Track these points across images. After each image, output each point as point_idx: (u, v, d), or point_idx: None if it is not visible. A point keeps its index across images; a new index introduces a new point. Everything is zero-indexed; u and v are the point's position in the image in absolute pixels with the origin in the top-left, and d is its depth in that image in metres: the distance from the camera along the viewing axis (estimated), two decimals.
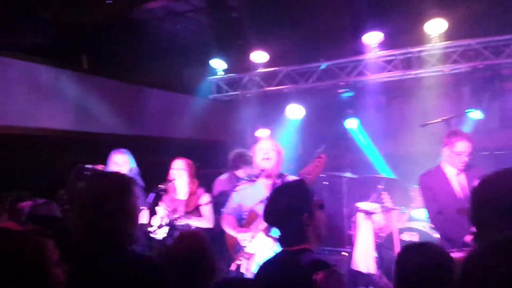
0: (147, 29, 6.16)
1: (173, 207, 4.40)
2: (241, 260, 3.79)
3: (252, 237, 3.70)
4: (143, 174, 4.53)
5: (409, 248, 2.02)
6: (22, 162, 5.83)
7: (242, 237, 3.74)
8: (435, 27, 5.96)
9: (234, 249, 3.89)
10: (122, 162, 4.38)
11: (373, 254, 5.03)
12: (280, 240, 2.30)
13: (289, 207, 2.25)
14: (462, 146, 3.77)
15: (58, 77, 6.26)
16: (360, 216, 5.19)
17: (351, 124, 6.95)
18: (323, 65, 6.78)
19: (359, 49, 6.66)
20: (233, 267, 3.81)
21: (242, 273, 3.86)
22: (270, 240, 3.65)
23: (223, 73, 7.26)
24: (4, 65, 5.72)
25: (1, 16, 5.54)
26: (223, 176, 5.19)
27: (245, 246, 3.75)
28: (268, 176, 3.86)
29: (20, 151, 5.86)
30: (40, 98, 6.04)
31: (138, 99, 7.14)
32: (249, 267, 3.75)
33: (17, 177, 5.77)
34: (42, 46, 6.07)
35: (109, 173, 2.16)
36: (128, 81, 7.10)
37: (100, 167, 4.49)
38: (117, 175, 2.09)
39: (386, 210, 5.19)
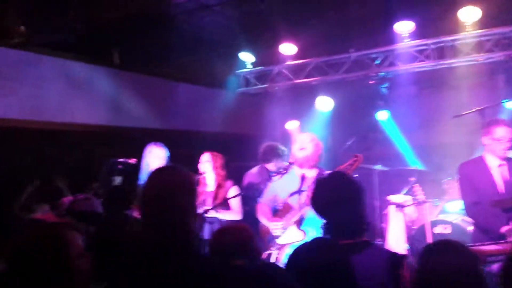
0: (176, 24, 6.20)
1: (202, 199, 4.46)
2: (272, 250, 3.84)
3: (284, 228, 3.74)
4: None
5: (431, 251, 1.92)
6: (57, 157, 6.00)
7: (274, 226, 3.78)
8: (469, 15, 5.77)
9: (267, 239, 3.95)
10: (163, 156, 4.49)
11: (405, 247, 4.97)
12: (330, 231, 2.24)
13: (347, 197, 2.21)
14: (501, 132, 3.68)
15: (91, 73, 6.40)
16: (391, 209, 5.13)
17: (382, 116, 6.84)
18: (353, 55, 6.67)
19: (390, 39, 6.53)
20: (264, 255, 3.88)
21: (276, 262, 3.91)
22: (301, 233, 3.67)
23: (251, 66, 7.26)
24: (39, 62, 5.88)
25: (35, 14, 5.69)
26: (253, 169, 5.21)
27: (277, 237, 3.79)
28: (301, 166, 3.88)
29: (55, 146, 6.03)
30: (74, 94, 6.19)
31: (168, 93, 7.22)
32: (280, 258, 3.79)
33: (53, 171, 5.94)
34: (75, 43, 6.21)
35: (174, 168, 2.18)
36: (158, 76, 7.20)
37: (132, 160, 4.60)
38: (182, 170, 2.09)
39: (418, 203, 5.12)
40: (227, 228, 2.75)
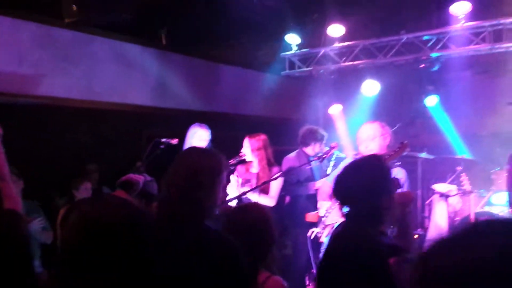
0: (223, 6, 6.22)
1: (245, 179, 4.50)
2: (320, 231, 3.94)
3: (331, 209, 3.79)
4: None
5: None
6: (105, 135, 6.25)
7: (321, 206, 3.86)
8: None
9: (315, 224, 4.09)
10: (206, 138, 4.56)
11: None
12: (350, 217, 2.18)
13: (366, 185, 2.12)
14: None
15: (140, 54, 6.56)
16: (435, 198, 4.98)
17: (431, 101, 6.59)
18: (403, 37, 6.43)
19: (444, 21, 6.24)
20: (309, 233, 3.99)
21: (318, 240, 3.99)
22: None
23: (297, 48, 7.16)
24: (91, 43, 6.09)
25: None
26: (292, 154, 5.20)
27: (324, 216, 3.86)
28: None
29: (104, 125, 6.27)
30: (124, 74, 6.38)
31: (213, 75, 7.29)
32: (320, 236, 3.91)
33: (101, 149, 6.21)
34: (125, 24, 6.37)
35: (204, 150, 2.29)
36: (204, 58, 7.27)
37: (174, 141, 4.69)
38: (212, 153, 2.20)
39: (464, 193, 4.93)
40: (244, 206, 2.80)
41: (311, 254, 4.19)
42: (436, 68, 6.31)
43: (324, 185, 4.22)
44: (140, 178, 3.51)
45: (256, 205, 2.82)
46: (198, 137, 4.55)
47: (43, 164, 5.55)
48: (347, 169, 2.27)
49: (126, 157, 6.12)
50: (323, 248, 3.72)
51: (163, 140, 4.59)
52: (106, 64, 6.20)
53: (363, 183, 2.14)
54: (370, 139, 3.64)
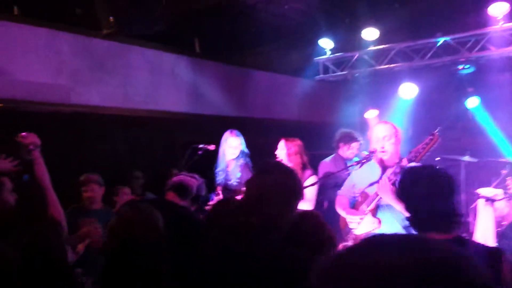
0: (255, 12, 6.23)
1: None
2: (348, 242, 3.76)
3: (361, 219, 3.63)
4: (250, 155, 4.64)
5: None
6: (141, 142, 6.31)
7: (350, 219, 3.68)
8: None
9: (345, 231, 3.87)
10: (236, 145, 4.52)
11: (493, 243, 4.62)
12: (418, 224, 2.15)
13: (442, 188, 2.13)
14: None
15: (174, 62, 6.63)
16: (480, 203, 4.79)
17: (472, 103, 6.39)
18: (440, 39, 6.29)
19: (482, 22, 6.08)
20: (340, 247, 3.79)
21: None
22: (376, 221, 3.55)
23: (330, 53, 7.10)
24: (128, 52, 6.19)
25: (124, 6, 5.98)
26: (328, 158, 5.11)
27: (352, 228, 3.70)
28: (381, 163, 3.74)
29: (139, 132, 6.34)
30: (159, 82, 6.46)
31: (246, 81, 7.29)
32: None
33: (137, 156, 6.27)
34: (160, 33, 6.46)
35: (286, 170, 2.27)
36: (237, 64, 7.28)
37: (211, 147, 4.69)
38: (293, 173, 2.18)
39: (510, 197, 4.74)
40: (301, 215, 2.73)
41: None
42: (472, 69, 6.15)
43: (343, 194, 4.02)
44: (193, 182, 3.47)
45: (310, 213, 2.75)
46: (229, 144, 4.52)
47: (82, 172, 5.63)
48: (415, 175, 2.26)
49: (161, 163, 6.16)
50: None
51: (201, 146, 4.59)
52: (141, 73, 6.28)
53: (436, 187, 2.14)
54: (387, 139, 3.59)
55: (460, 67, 6.32)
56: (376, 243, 0.80)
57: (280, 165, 2.70)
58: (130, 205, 2.55)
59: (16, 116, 4.94)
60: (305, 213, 2.83)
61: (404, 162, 3.47)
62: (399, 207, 3.33)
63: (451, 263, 0.75)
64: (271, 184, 2.05)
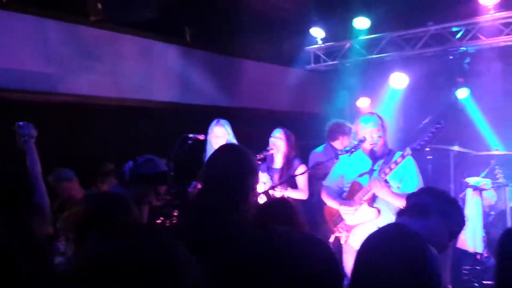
0: (247, 2, 6.19)
1: (268, 176, 4.46)
2: (340, 232, 3.76)
3: (355, 210, 3.63)
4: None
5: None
6: (130, 132, 6.26)
7: (345, 210, 3.67)
8: None
9: (333, 221, 3.85)
10: (222, 134, 4.50)
11: (482, 233, 4.68)
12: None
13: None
14: None
15: (164, 50, 6.56)
16: (469, 192, 4.85)
17: (462, 93, 6.42)
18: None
19: (472, 11, 6.08)
20: (331, 239, 3.80)
21: (341, 245, 3.83)
22: (374, 210, 3.55)
23: (321, 42, 7.08)
24: (116, 40, 6.10)
25: None
26: (319, 148, 5.12)
27: (346, 219, 3.70)
28: (372, 153, 3.75)
29: (133, 122, 6.29)
30: (149, 71, 6.39)
31: (237, 71, 7.25)
32: (348, 240, 3.71)
33: (126, 146, 6.22)
34: (149, 21, 6.38)
35: (239, 150, 2.32)
36: (227, 53, 7.23)
37: (201, 137, 4.66)
38: (246, 152, 2.23)
39: (498, 187, 4.79)
40: (273, 201, 2.76)
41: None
42: (467, 60, 6.16)
43: (330, 185, 4.00)
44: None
45: (284, 200, 2.78)
46: (214, 133, 4.51)
47: (71, 162, 5.58)
48: None
49: (151, 153, 6.12)
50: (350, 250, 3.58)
51: (191, 135, 4.56)
52: (131, 61, 6.21)
53: None
54: (375, 130, 3.66)
55: (451, 57, 6.32)
56: None
57: (231, 145, 2.76)
58: None
59: (3, 105, 4.87)
60: (276, 199, 2.84)
61: (407, 152, 3.48)
62: (396, 202, 3.35)
63: None
64: (226, 164, 2.11)
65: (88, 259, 1.02)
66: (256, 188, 2.20)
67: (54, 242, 3.60)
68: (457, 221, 2.19)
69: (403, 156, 3.48)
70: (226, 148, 2.40)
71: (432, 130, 3.49)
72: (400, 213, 2.23)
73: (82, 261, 1.03)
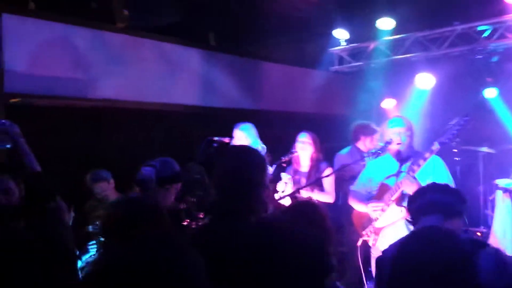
0: (267, 4, 6.19)
1: (296, 179, 4.45)
2: (368, 236, 3.72)
3: (383, 210, 3.60)
4: (266, 148, 4.64)
5: None
6: (156, 136, 6.33)
7: (373, 207, 3.64)
8: None
9: (361, 225, 3.82)
10: (241, 138, 4.55)
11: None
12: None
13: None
14: None
15: (188, 54, 6.62)
16: (499, 194, 4.73)
17: (490, 93, 6.28)
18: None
19: (501, 10, 5.95)
20: (359, 242, 3.77)
21: (369, 249, 3.79)
22: (403, 209, 3.50)
23: (345, 43, 7.03)
24: (140, 45, 6.19)
25: None
26: (344, 150, 5.08)
27: (375, 219, 3.66)
28: (398, 155, 3.72)
29: (155, 126, 6.36)
30: (172, 75, 6.45)
31: (261, 74, 7.27)
32: (377, 242, 3.67)
33: (152, 149, 6.29)
34: (173, 26, 6.45)
35: (247, 148, 2.42)
36: (251, 56, 7.26)
37: (226, 140, 4.70)
38: (254, 150, 2.31)
39: None
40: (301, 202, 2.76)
41: (360, 263, 3.91)
42: (495, 59, 6.03)
43: (357, 189, 3.95)
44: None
45: (312, 202, 2.77)
46: (237, 138, 4.57)
47: (99, 165, 5.68)
48: None
49: (177, 156, 6.17)
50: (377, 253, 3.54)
51: (216, 138, 4.60)
52: (155, 66, 6.29)
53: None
54: (403, 129, 3.66)
55: (478, 56, 6.19)
56: None
57: (232, 147, 2.81)
58: None
59: (32, 111, 4.99)
60: (304, 200, 2.82)
61: (435, 146, 3.43)
62: None
63: None
64: (237, 165, 2.13)
65: (102, 264, 1.05)
66: (266, 184, 2.21)
67: (86, 244, 3.67)
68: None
69: (431, 151, 3.44)
70: (228, 150, 2.55)
71: (460, 123, 3.44)
72: (420, 211, 2.20)
73: (97, 266, 1.06)
